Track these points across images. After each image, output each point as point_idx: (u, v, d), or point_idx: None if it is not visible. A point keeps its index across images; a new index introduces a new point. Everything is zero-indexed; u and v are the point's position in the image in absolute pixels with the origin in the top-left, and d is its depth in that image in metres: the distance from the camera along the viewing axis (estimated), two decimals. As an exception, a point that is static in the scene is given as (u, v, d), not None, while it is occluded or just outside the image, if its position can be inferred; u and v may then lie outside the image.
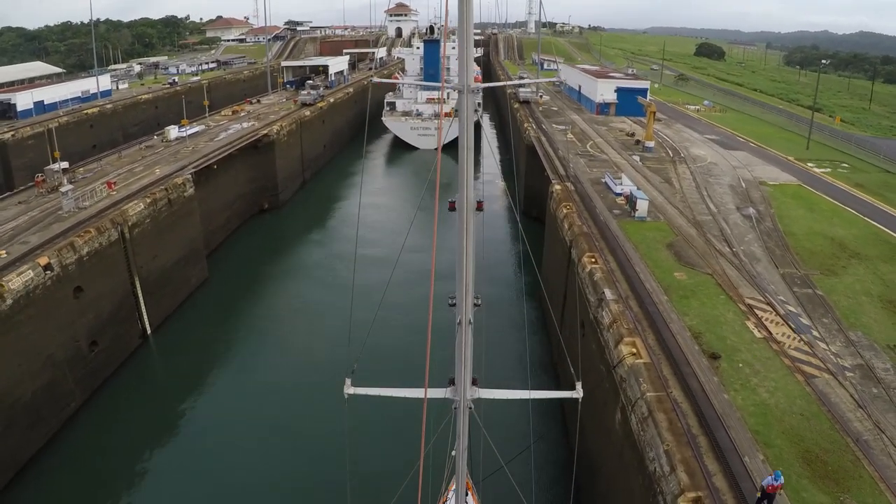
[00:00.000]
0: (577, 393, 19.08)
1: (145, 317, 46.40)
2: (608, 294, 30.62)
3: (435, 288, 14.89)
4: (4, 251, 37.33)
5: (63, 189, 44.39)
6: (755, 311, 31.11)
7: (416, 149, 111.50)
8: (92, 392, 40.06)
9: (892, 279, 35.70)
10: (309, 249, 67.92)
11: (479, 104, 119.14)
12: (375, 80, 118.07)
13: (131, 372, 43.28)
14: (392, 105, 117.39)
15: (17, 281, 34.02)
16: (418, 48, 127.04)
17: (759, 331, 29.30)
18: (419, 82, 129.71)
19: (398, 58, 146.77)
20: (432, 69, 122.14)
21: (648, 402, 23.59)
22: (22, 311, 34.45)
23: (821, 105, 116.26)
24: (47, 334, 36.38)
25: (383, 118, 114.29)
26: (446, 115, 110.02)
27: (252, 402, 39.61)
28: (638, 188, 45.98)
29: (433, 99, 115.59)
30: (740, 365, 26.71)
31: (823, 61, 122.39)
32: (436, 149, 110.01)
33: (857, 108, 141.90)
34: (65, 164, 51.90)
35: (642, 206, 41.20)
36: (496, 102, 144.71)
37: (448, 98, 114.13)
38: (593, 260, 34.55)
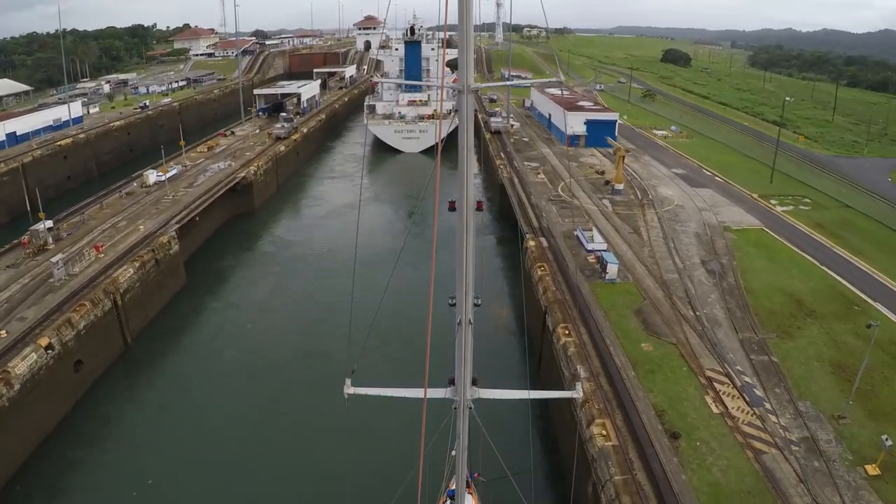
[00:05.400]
0: (577, 393, 19.52)
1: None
2: (581, 371, 33.48)
3: (435, 288, 15.05)
4: (4, 331, 38.58)
5: (53, 259, 45.53)
6: (714, 384, 34.19)
7: (400, 152, 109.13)
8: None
9: (843, 340, 39.14)
10: (290, 246, 68.52)
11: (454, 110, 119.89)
12: (375, 79, 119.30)
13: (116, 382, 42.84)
14: (372, 108, 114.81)
15: (21, 366, 35.28)
16: (397, 49, 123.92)
17: (716, 406, 32.37)
18: (423, 83, 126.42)
19: (376, 59, 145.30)
20: (414, 71, 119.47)
21: (616, 486, 26.57)
22: (29, 393, 35.50)
23: (784, 120, 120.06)
24: (50, 411, 37.47)
25: (364, 121, 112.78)
26: (429, 117, 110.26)
27: (252, 402, 39.80)
28: (607, 249, 48.89)
29: (415, 101, 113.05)
30: (698, 443, 29.79)
31: (787, 98, 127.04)
32: (420, 152, 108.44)
33: (821, 121, 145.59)
34: (49, 224, 52.80)
35: (612, 270, 44.14)
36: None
37: (430, 101, 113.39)
38: (567, 332, 37.35)
